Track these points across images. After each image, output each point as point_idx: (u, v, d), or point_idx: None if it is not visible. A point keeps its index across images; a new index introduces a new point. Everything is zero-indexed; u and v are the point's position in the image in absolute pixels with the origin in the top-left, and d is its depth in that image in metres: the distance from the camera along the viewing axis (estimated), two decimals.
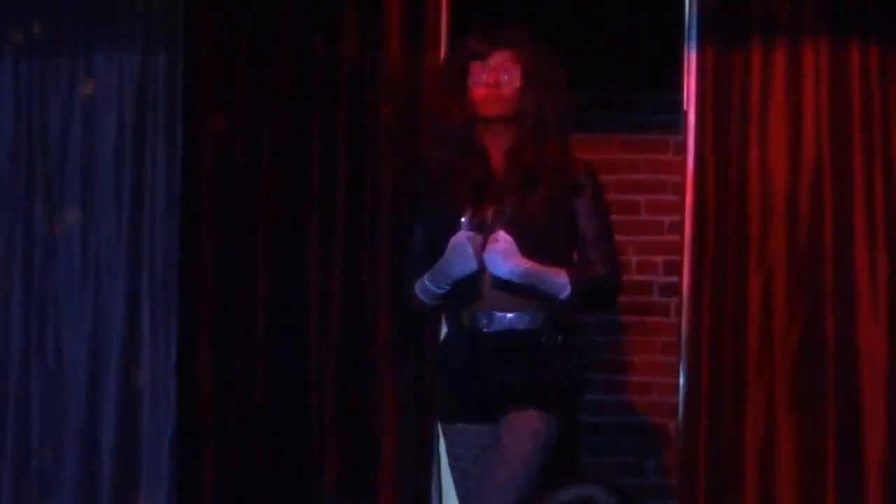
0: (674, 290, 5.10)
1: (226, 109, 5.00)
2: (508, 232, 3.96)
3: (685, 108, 4.93)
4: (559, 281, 3.99)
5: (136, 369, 5.05)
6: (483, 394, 4.07)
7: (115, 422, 5.04)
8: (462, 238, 4.00)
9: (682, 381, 4.89)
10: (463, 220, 4.03)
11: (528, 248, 3.98)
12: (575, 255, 4.21)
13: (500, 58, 4.09)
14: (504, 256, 3.96)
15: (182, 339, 5.01)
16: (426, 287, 4.09)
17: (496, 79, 4.06)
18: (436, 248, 4.10)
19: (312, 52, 4.98)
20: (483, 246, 3.99)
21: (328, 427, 4.96)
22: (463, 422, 4.14)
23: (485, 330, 4.04)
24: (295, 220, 5.00)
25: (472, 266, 3.99)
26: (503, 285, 4.00)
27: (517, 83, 4.06)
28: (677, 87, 4.94)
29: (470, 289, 4.04)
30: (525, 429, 4.00)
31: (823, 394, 4.84)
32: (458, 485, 4.21)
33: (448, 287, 4.04)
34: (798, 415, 4.86)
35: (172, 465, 5.00)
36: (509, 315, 4.03)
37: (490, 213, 4.04)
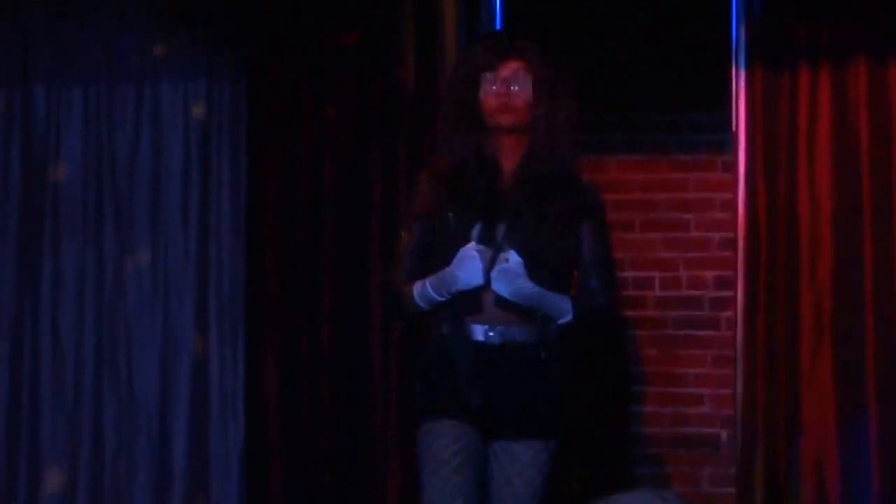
0: (724, 304, 5.24)
1: (288, 138, 5.12)
2: (519, 253, 3.93)
3: (734, 128, 5.08)
4: (562, 307, 3.98)
5: (206, 389, 5.17)
6: (481, 404, 3.98)
7: (186, 441, 5.17)
8: (472, 251, 3.95)
9: (739, 391, 5.03)
10: (473, 232, 3.98)
11: (534, 271, 3.96)
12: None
13: (510, 68, 4.03)
14: (512, 278, 3.93)
15: (249, 358, 5.13)
16: (426, 292, 4.00)
17: (507, 89, 4.01)
18: (434, 253, 4.04)
19: (373, 79, 5.12)
20: (492, 261, 3.95)
21: (392, 447, 5.08)
22: (455, 419, 3.99)
23: (484, 340, 3.98)
24: (357, 242, 5.13)
25: (478, 280, 3.94)
26: (505, 304, 3.97)
27: (528, 93, 4.01)
28: (723, 106, 5.08)
29: (471, 301, 3.98)
30: (534, 468, 3.97)
31: (865, 397, 4.99)
32: (427, 484, 3.98)
33: (448, 297, 3.98)
34: (841, 417, 5.01)
35: (241, 483, 5.13)
36: (509, 329, 3.98)
37: (501, 230, 3.99)
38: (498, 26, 5.12)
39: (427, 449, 4.00)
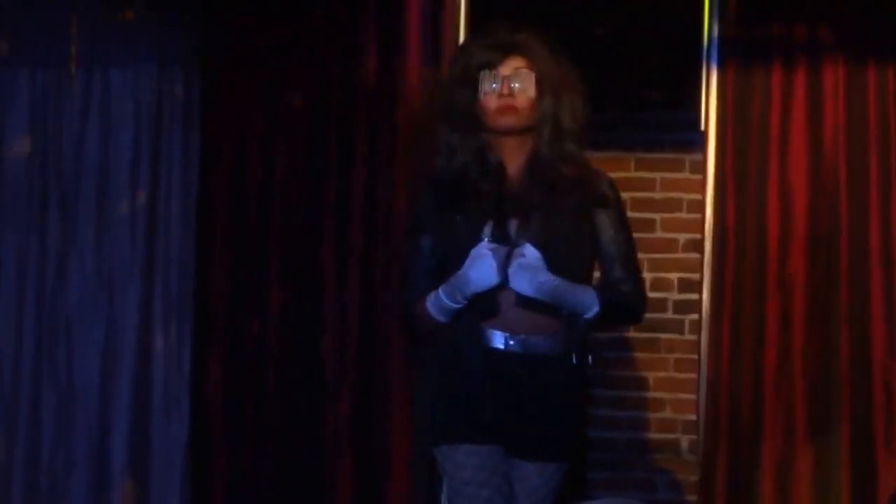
0: (689, 307, 5.13)
1: (242, 128, 4.96)
2: (535, 247, 3.70)
3: (704, 127, 4.96)
4: (586, 300, 3.72)
5: (149, 382, 5.02)
6: (499, 418, 3.75)
7: (128, 435, 5.01)
8: (484, 250, 3.69)
9: (702, 397, 4.93)
10: (484, 232, 3.73)
11: (553, 263, 3.70)
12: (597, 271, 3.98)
13: (511, 66, 3.78)
14: (531, 273, 3.68)
15: (195, 354, 4.98)
16: (440, 301, 3.75)
17: (508, 89, 3.77)
18: (447, 263, 3.78)
19: (330, 73, 4.96)
20: (507, 258, 3.70)
21: (342, 445, 4.95)
22: (473, 443, 3.78)
23: (503, 349, 3.73)
24: (309, 239, 4.98)
25: (493, 280, 3.68)
26: (526, 303, 3.71)
27: (531, 92, 3.77)
28: (691, 105, 4.96)
29: (488, 304, 3.74)
30: (545, 488, 3.79)
31: (838, 417, 4.90)
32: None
33: (464, 302, 3.72)
34: (815, 434, 4.92)
35: (184, 478, 4.98)
36: (532, 338, 3.74)
37: (513, 226, 3.75)
38: (462, 26, 4.95)
39: (455, 473, 3.79)
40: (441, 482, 4.88)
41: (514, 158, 3.81)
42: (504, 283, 3.69)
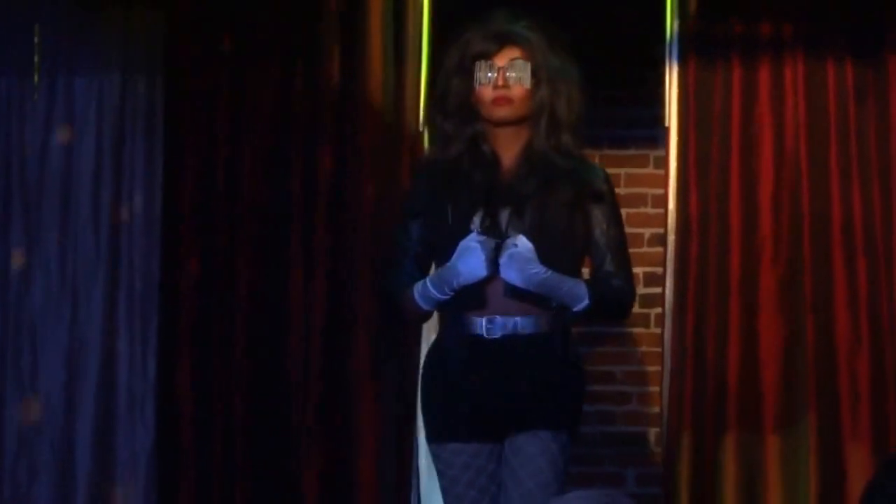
0: (654, 301, 5.15)
1: (206, 132, 4.96)
2: (527, 238, 3.65)
3: (667, 123, 4.98)
4: (577, 292, 3.68)
5: (114, 387, 5.02)
6: (483, 408, 3.72)
7: (92, 441, 4.99)
8: (473, 242, 3.65)
9: (666, 389, 4.96)
10: (474, 223, 3.71)
11: (545, 255, 3.65)
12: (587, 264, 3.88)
13: (507, 56, 3.74)
14: (522, 263, 3.63)
15: (161, 358, 4.97)
16: (427, 292, 3.71)
17: (504, 80, 3.72)
18: (434, 252, 3.78)
19: (294, 75, 4.96)
20: (496, 251, 3.66)
21: (309, 444, 4.95)
22: (459, 441, 3.76)
23: (486, 336, 3.70)
24: (276, 240, 4.97)
25: (481, 272, 3.64)
26: (515, 293, 3.67)
27: (527, 83, 3.72)
28: (656, 102, 4.98)
29: (475, 296, 3.69)
30: (542, 458, 3.69)
31: (805, 405, 4.93)
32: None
33: (452, 293, 3.68)
34: (782, 424, 4.96)
35: (149, 485, 4.97)
36: (514, 319, 3.70)
37: (504, 216, 3.71)
38: (425, 26, 4.95)
39: (444, 471, 3.78)
40: (411, 474, 4.95)
41: (509, 149, 3.77)
42: (493, 273, 3.66)
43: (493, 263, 3.65)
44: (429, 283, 3.71)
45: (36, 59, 4.98)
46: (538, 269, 3.65)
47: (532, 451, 3.70)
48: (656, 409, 5.10)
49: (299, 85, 4.97)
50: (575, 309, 3.70)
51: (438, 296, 3.70)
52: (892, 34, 4.97)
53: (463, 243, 3.65)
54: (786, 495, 4.95)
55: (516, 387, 3.71)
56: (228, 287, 4.99)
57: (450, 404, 3.74)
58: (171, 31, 4.97)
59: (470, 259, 3.64)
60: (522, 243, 3.64)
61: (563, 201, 3.73)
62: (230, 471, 4.97)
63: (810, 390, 4.94)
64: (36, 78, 4.99)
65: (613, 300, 3.77)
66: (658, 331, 5.11)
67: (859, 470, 4.89)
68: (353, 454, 4.97)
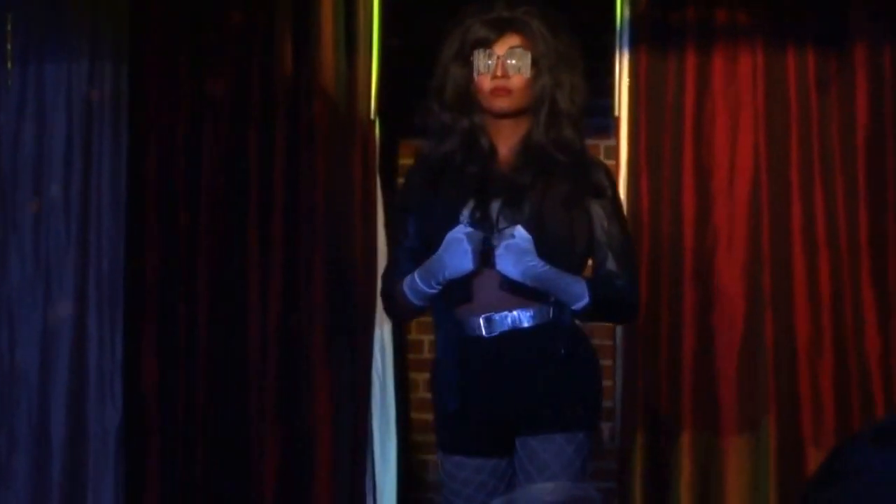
0: None
1: (168, 120, 5.07)
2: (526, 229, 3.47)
3: (617, 113, 4.90)
4: (576, 289, 3.49)
5: (84, 366, 5.18)
6: (489, 417, 3.52)
7: (65, 418, 5.15)
8: (459, 234, 3.48)
9: (619, 383, 4.90)
10: (463, 214, 3.53)
11: (542, 249, 3.46)
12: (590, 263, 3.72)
13: (507, 44, 3.57)
14: (519, 255, 3.44)
15: (127, 340, 5.11)
16: (416, 285, 3.53)
17: (503, 70, 3.55)
18: (431, 245, 3.58)
19: (250, 65, 5.03)
20: (484, 243, 3.48)
21: (267, 425, 5.04)
22: (463, 454, 3.58)
23: (485, 335, 3.52)
24: (235, 228, 5.06)
25: (467, 266, 3.46)
26: (511, 287, 3.48)
27: (527, 72, 3.55)
28: (607, 91, 4.89)
29: (464, 291, 3.52)
30: (556, 463, 3.50)
31: (764, 397, 4.81)
32: None
33: (439, 287, 3.51)
34: (738, 417, 4.85)
35: (118, 462, 5.12)
36: (512, 313, 3.51)
37: (495, 208, 3.53)
38: (376, 18, 4.95)
39: (447, 482, 3.65)
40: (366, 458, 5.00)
41: (508, 141, 3.62)
42: (485, 266, 3.50)
43: (482, 256, 3.49)
44: (416, 277, 3.55)
45: (8, 47, 5.15)
46: (535, 262, 3.47)
47: (546, 458, 3.54)
48: (609, 404, 5.04)
49: (255, 73, 5.05)
50: (574, 307, 3.52)
51: (426, 289, 3.54)
52: (857, 21, 4.79)
53: (449, 235, 3.50)
54: (744, 496, 4.84)
55: (523, 388, 3.54)
56: (189, 271, 5.09)
57: (453, 415, 3.58)
58: (135, 20, 5.08)
59: (456, 251, 3.48)
60: (520, 234, 3.48)
61: (561, 196, 3.56)
62: (192, 450, 5.08)
63: (769, 390, 4.82)
64: (9, 65, 5.16)
65: (616, 301, 3.59)
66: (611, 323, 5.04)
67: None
68: (309, 441, 5.04)
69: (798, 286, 4.83)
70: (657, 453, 4.89)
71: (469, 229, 3.50)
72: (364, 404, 5.02)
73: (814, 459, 4.79)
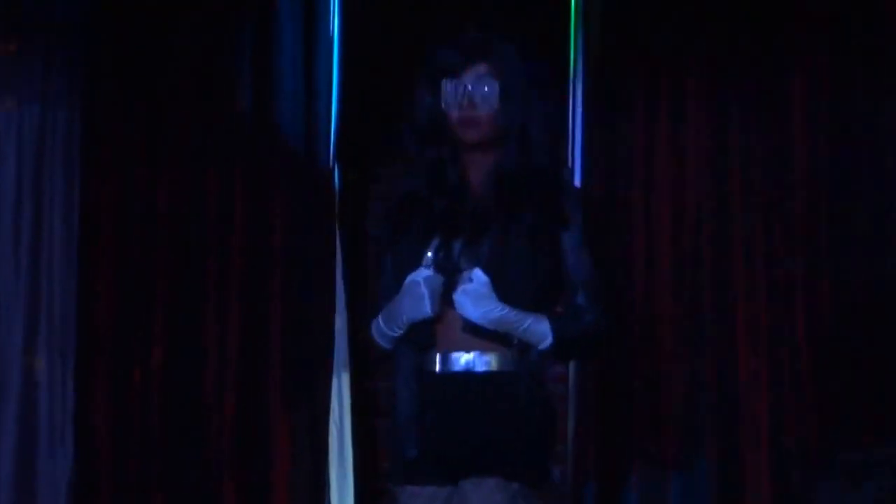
0: None
1: (124, 164, 5.07)
2: (485, 271, 3.44)
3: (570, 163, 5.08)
4: (539, 329, 3.44)
5: (35, 415, 5.10)
6: (435, 450, 3.50)
7: (13, 468, 5.07)
8: (418, 278, 3.44)
9: (571, 426, 5.04)
10: (426, 256, 3.48)
11: (503, 289, 3.43)
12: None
13: (474, 73, 3.50)
14: (476, 300, 3.42)
15: (79, 384, 5.06)
16: (380, 328, 3.52)
17: (470, 100, 3.49)
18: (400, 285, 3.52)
19: (209, 110, 5.08)
20: (445, 286, 3.44)
21: (225, 470, 5.05)
22: (414, 484, 3.53)
23: (438, 371, 3.48)
24: (191, 271, 5.08)
25: (425, 312, 3.43)
26: (474, 330, 3.44)
27: (495, 102, 3.48)
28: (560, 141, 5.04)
29: (425, 334, 3.48)
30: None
31: (703, 444, 4.99)
32: None
33: (400, 331, 3.49)
34: (681, 463, 5.02)
35: None
36: (468, 355, 3.48)
37: (457, 247, 3.48)
38: (336, 40, 5.06)
39: None
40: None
41: (479, 172, 3.54)
42: (449, 307, 3.45)
43: (442, 300, 3.45)
44: (380, 320, 3.53)
45: None
46: (493, 306, 3.43)
47: (474, 501, 3.46)
48: (560, 447, 5.17)
49: (214, 119, 5.09)
50: (539, 348, 3.46)
51: (389, 333, 3.51)
52: (796, 85, 5.06)
53: (409, 279, 3.46)
54: None
55: (467, 430, 3.49)
56: (145, 317, 5.08)
57: (403, 447, 3.53)
58: (90, 61, 5.08)
59: (414, 296, 3.44)
60: (478, 277, 3.44)
61: (527, 229, 3.49)
62: (148, 496, 5.04)
63: (708, 431, 4.99)
64: None
65: (582, 338, 3.52)
66: (563, 370, 5.16)
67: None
68: (267, 489, 5.06)
69: (740, 331, 5.03)
70: (609, 497, 5.02)
71: (428, 273, 3.47)
72: (322, 452, 5.06)
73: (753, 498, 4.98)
